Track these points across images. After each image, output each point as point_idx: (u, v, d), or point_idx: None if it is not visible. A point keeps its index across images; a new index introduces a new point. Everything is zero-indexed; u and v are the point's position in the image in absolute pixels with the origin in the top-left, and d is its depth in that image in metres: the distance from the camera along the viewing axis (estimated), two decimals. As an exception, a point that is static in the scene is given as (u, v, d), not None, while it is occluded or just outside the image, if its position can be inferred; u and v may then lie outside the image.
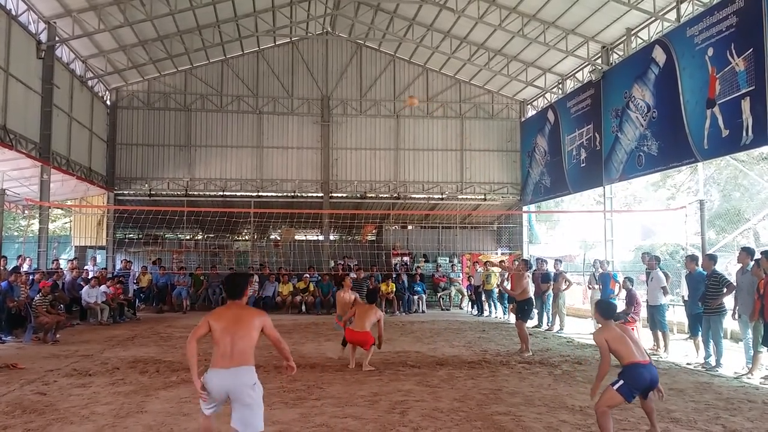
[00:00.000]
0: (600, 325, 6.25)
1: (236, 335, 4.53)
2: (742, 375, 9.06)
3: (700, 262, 10.83)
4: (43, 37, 16.53)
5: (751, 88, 11.97)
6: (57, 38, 16.96)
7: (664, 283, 11.62)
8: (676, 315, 13.59)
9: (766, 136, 11.59)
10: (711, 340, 9.93)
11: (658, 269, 11.91)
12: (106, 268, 19.94)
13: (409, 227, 25.25)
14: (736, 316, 9.70)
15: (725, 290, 9.72)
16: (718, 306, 9.82)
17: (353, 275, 16.51)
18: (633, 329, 12.28)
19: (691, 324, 10.90)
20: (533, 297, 12.55)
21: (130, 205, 22.06)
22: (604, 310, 6.27)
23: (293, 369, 5.07)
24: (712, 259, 10.29)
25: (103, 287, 15.93)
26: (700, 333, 10.40)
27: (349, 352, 9.74)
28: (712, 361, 9.81)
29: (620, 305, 13.46)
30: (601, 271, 14.46)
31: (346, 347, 9.97)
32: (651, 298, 11.67)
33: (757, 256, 9.28)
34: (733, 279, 10.03)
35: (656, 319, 11.51)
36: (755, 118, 11.86)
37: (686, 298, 11.21)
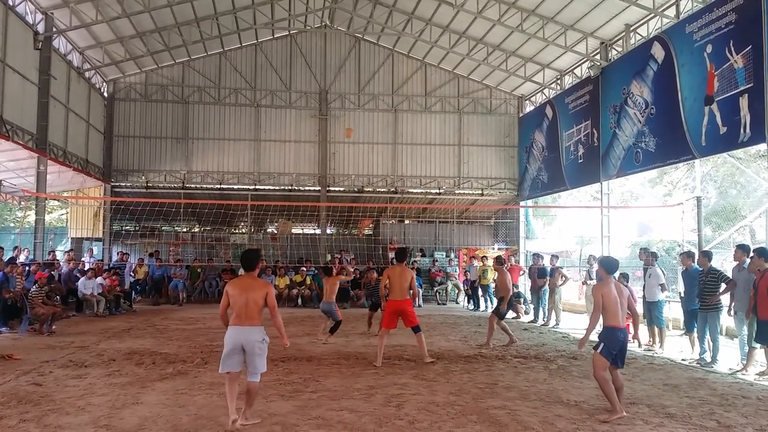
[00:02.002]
0: (602, 279, 6.82)
1: (247, 300, 5.73)
2: (737, 371, 9.10)
3: (696, 259, 10.86)
4: (41, 28, 16.45)
5: (749, 86, 11.96)
6: (54, 29, 16.89)
7: (663, 280, 11.65)
8: (672, 311, 13.63)
9: (764, 134, 11.58)
10: (706, 336, 9.96)
11: (656, 266, 11.93)
12: (102, 260, 19.92)
13: (406, 221, 25.27)
14: (732, 312, 9.74)
15: (724, 286, 9.74)
16: (716, 302, 9.85)
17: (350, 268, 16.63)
18: (628, 324, 12.42)
19: (686, 320, 10.94)
20: (513, 293, 12.86)
21: (127, 197, 22.00)
22: (606, 265, 6.89)
23: (285, 344, 6.10)
24: (706, 256, 10.30)
25: (99, 279, 15.93)
26: (695, 329, 10.43)
27: (379, 343, 9.57)
28: (707, 357, 9.85)
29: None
30: (596, 267, 14.47)
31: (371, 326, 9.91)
32: (649, 294, 11.71)
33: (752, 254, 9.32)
34: (729, 276, 10.05)
35: (653, 315, 11.55)
36: (753, 116, 11.85)
37: (683, 294, 11.24)
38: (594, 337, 7.04)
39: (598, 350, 6.54)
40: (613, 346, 6.53)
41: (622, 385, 6.72)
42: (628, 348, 6.91)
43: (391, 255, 20.91)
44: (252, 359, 5.74)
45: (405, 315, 9.38)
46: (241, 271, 6.11)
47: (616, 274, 13.83)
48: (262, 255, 21.49)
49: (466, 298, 20.37)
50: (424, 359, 9.24)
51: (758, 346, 8.95)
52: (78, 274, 16.35)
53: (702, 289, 10.02)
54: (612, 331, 6.58)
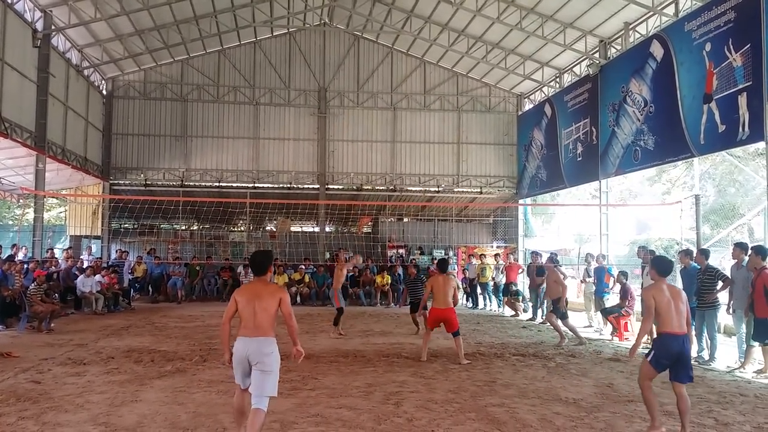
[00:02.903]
0: (652, 281, 6.09)
1: (257, 308, 5.06)
2: (735, 369, 9.12)
3: (694, 257, 10.87)
4: (39, 26, 16.42)
5: (748, 84, 11.97)
6: (53, 27, 16.87)
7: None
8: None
9: (763, 132, 11.61)
10: (704, 335, 9.98)
11: (654, 264, 11.92)
12: (101, 258, 19.91)
13: (405, 219, 25.27)
14: (731, 310, 9.75)
15: (721, 284, 9.75)
16: (713, 300, 9.86)
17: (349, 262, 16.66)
18: (627, 323, 12.44)
19: (685, 318, 10.93)
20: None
21: (126, 194, 21.98)
22: (659, 265, 6.07)
23: (300, 354, 5.33)
24: (704, 254, 10.32)
25: (98, 277, 15.92)
26: (693, 327, 10.43)
27: (423, 340, 9.63)
28: (705, 355, 9.87)
29: (614, 299, 13.58)
30: (595, 265, 14.50)
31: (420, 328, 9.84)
32: (646, 292, 11.70)
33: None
34: (728, 273, 10.06)
35: (651, 313, 11.54)
36: (752, 114, 11.87)
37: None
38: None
39: (648, 358, 5.88)
40: (663, 355, 5.78)
41: (688, 409, 5.79)
42: (691, 357, 5.99)
43: (432, 267, 20.57)
44: (256, 377, 4.98)
45: (447, 322, 9.45)
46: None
47: (611, 283, 13.84)
48: (275, 257, 21.52)
49: (465, 296, 20.36)
50: (460, 361, 9.23)
51: (756, 344, 8.96)
52: (77, 272, 16.34)
53: (699, 287, 10.03)
54: (665, 339, 5.80)
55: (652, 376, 5.84)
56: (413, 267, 13.62)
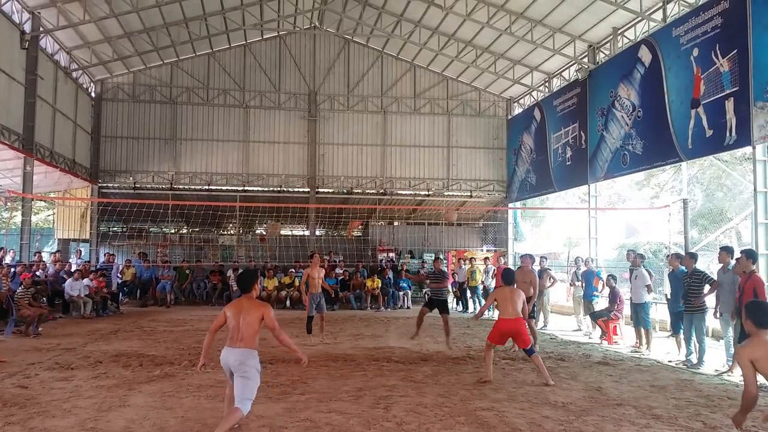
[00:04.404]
0: (750, 337, 4.61)
1: (242, 322, 5.46)
2: (723, 372, 9.18)
3: (682, 260, 10.93)
4: (27, 27, 16.32)
5: (734, 89, 12.09)
6: (41, 29, 16.76)
7: (649, 281, 11.72)
8: (659, 313, 13.73)
9: (750, 137, 11.71)
10: (692, 338, 10.03)
11: (643, 267, 12.01)
12: (89, 261, 19.77)
13: (396, 223, 25.27)
14: (718, 314, 9.81)
15: (708, 287, 9.82)
16: (701, 304, 9.92)
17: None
18: (615, 326, 12.47)
19: (673, 322, 11.00)
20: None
21: (115, 198, 21.86)
22: (757, 314, 4.49)
23: (301, 360, 5.76)
24: (692, 257, 10.39)
25: (86, 280, 15.81)
26: (682, 331, 10.50)
27: (485, 358, 8.48)
28: (694, 358, 9.92)
29: (603, 302, 13.63)
30: (584, 268, 14.56)
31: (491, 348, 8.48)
32: (635, 296, 11.78)
33: (738, 255, 9.38)
34: (715, 277, 10.12)
35: (640, 316, 11.62)
36: (739, 119, 11.98)
37: (669, 296, 11.32)
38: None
39: None
40: None
41: None
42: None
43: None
44: (238, 381, 5.39)
45: (517, 335, 8.32)
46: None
47: (599, 286, 13.72)
48: (266, 261, 21.47)
49: (454, 299, 20.38)
50: (547, 381, 8.09)
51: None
52: (65, 276, 16.23)
53: (687, 290, 10.09)
54: None
55: None
56: (441, 261, 12.69)
